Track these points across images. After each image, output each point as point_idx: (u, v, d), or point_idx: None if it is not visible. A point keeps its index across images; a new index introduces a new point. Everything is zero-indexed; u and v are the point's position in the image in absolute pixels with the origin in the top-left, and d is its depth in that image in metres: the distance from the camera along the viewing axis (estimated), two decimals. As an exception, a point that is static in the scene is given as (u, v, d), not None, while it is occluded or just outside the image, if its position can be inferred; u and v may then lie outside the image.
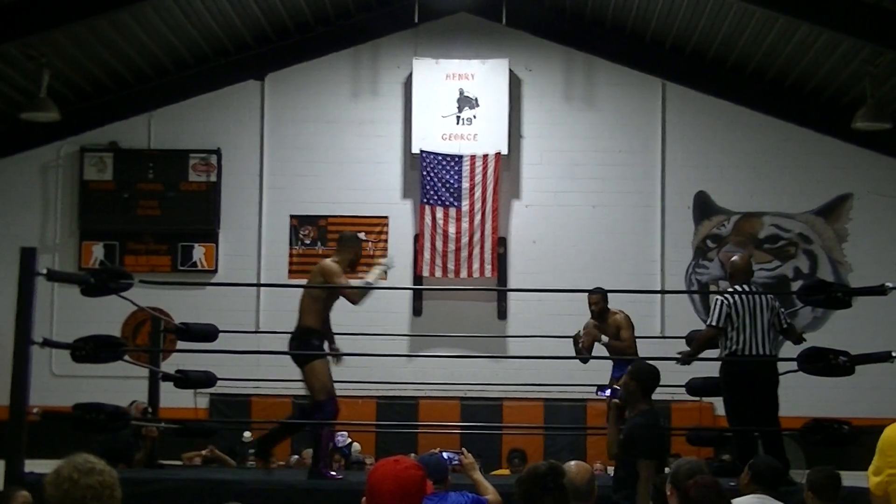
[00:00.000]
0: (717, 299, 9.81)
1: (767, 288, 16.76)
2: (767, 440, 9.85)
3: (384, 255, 10.28)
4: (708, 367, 11.39)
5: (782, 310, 10.04)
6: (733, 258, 10.56)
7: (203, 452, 13.58)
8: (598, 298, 11.64)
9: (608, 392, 8.05)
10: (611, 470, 13.90)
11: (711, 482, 5.23)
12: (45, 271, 9.16)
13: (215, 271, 16.90)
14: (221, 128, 17.22)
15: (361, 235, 16.96)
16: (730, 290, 9.91)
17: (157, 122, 17.23)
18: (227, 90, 17.33)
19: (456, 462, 7.01)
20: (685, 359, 10.41)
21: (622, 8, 16.51)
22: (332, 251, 16.69)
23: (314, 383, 9.65)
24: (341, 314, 15.44)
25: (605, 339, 11.62)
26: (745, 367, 9.65)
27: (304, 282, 15.50)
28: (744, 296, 9.73)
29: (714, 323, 9.70)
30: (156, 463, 11.92)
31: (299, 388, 12.60)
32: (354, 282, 10.03)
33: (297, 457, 14.37)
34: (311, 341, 9.66)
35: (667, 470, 6.88)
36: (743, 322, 9.59)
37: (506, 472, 13.61)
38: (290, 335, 9.99)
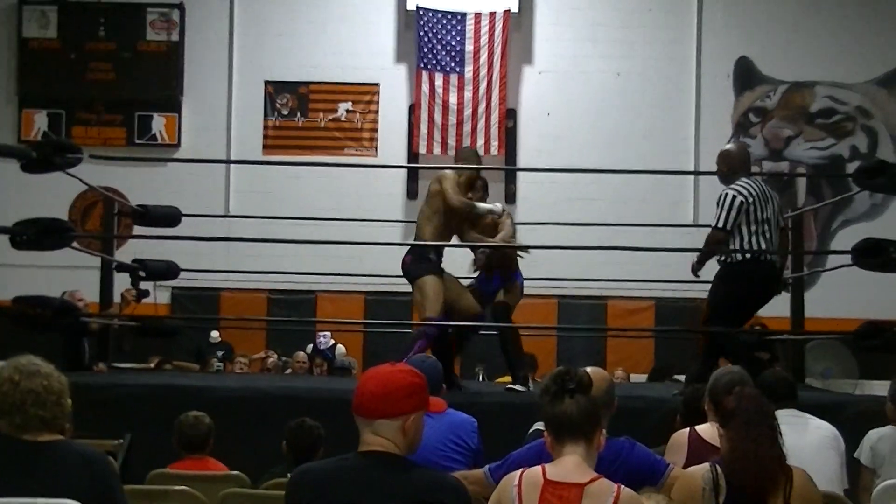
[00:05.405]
0: (726, 193, 9.28)
1: (820, 170, 16.73)
2: (717, 346, 9.20)
3: (491, 204, 9.68)
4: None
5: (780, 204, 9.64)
6: (726, 148, 9.95)
7: (151, 365, 13.58)
8: None
9: None
10: (634, 378, 14.04)
11: (755, 395, 5.30)
12: (-21, 143, 9.12)
13: (178, 146, 16.83)
14: (184, -23, 17.05)
15: (346, 106, 16.97)
16: (738, 184, 9.38)
17: (108, -30, 17.06)
18: (190, -67, 17.13)
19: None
20: (698, 268, 9.79)
21: None
22: (314, 124, 16.95)
23: (421, 299, 9.45)
24: (326, 197, 15.56)
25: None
26: (760, 265, 8.97)
27: (280, 159, 15.63)
28: (755, 188, 9.23)
29: (722, 225, 9.16)
30: (111, 366, 11.97)
31: (274, 281, 12.62)
32: (480, 205, 9.67)
33: (284, 359, 14.23)
34: (427, 256, 9.47)
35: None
36: (756, 217, 9.04)
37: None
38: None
